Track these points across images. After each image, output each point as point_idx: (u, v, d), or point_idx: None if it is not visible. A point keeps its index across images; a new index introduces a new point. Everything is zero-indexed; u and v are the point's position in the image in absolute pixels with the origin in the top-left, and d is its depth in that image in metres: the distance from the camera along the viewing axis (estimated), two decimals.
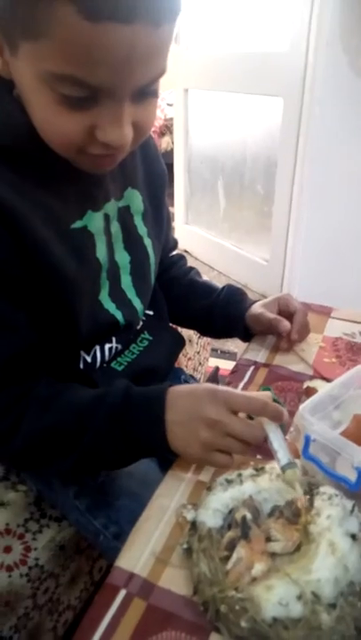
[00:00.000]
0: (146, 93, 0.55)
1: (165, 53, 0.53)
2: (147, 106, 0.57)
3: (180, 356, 1.28)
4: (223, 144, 2.59)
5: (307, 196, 2.12)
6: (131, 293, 0.80)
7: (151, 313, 0.90)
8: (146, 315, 0.87)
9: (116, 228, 0.75)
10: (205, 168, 2.78)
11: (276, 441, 0.56)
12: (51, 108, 0.53)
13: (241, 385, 0.79)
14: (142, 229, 0.80)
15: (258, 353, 0.88)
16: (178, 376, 0.98)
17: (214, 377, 1.67)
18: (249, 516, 0.52)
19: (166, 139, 3.55)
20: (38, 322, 0.66)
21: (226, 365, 1.84)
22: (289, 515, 0.53)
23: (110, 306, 0.75)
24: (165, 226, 0.89)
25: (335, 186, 2.06)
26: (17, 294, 0.62)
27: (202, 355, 1.46)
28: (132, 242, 0.78)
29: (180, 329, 1.02)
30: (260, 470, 0.58)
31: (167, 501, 0.59)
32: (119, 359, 0.81)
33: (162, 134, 3.60)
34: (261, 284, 2.56)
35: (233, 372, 0.83)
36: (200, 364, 1.46)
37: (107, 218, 0.72)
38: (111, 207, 0.73)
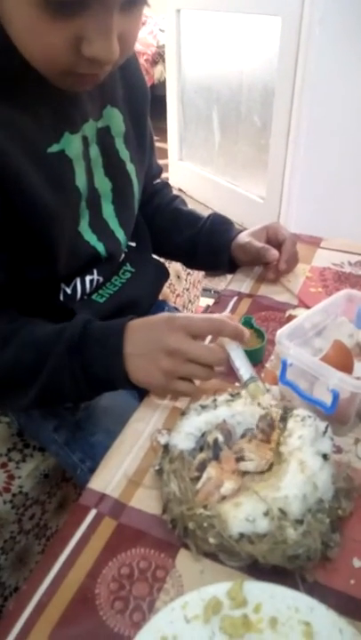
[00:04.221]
0: (133, 3, 0.49)
1: None
2: (134, 15, 0.51)
3: (168, 291, 1.26)
4: (218, 72, 2.44)
5: (305, 127, 2.02)
6: (113, 223, 0.76)
7: (134, 244, 0.86)
8: (128, 246, 0.84)
9: (95, 151, 0.70)
10: (200, 98, 2.64)
11: (238, 359, 0.55)
12: (31, 16, 0.46)
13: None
14: (124, 153, 0.75)
15: (242, 283, 0.85)
16: (161, 308, 0.96)
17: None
18: (221, 438, 0.52)
19: (159, 68, 3.36)
20: (12, 256, 0.63)
21: None
22: (264, 426, 0.52)
23: (91, 237, 0.72)
24: (149, 149, 0.83)
25: (336, 116, 1.95)
26: None
27: (192, 292, 1.44)
28: (113, 167, 0.73)
29: (167, 263, 0.98)
30: (235, 395, 0.57)
31: (142, 426, 0.59)
32: (100, 291, 0.78)
33: (154, 63, 3.39)
34: (257, 221, 2.49)
35: (215, 302, 0.81)
36: (190, 301, 1.44)
37: (85, 141, 0.67)
38: (89, 128, 0.67)
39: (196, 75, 2.61)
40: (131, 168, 0.76)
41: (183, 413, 0.57)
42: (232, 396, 0.58)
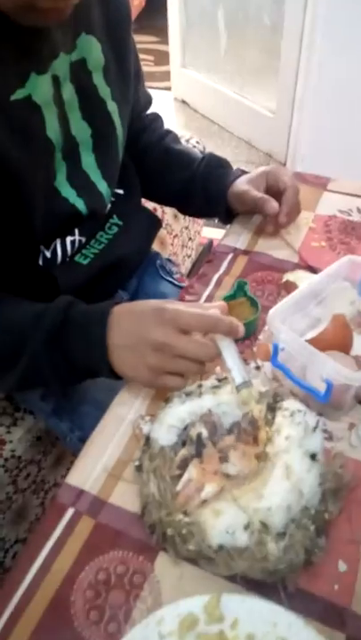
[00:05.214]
0: None
1: None
2: None
3: (164, 233, 1.18)
4: None
5: (321, 29, 1.78)
6: (95, 175, 0.67)
7: (121, 192, 0.77)
8: (115, 194, 0.75)
9: (69, 92, 0.60)
10: None
11: (230, 358, 0.50)
12: None
13: (216, 277, 0.71)
14: (104, 90, 0.64)
15: (238, 237, 0.78)
16: (153, 262, 0.89)
17: (208, 250, 1.58)
18: (205, 433, 0.48)
19: None
20: None
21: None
22: (246, 426, 0.49)
23: (69, 193, 0.64)
24: (134, 79, 0.72)
25: (357, 15, 1.71)
26: None
27: (191, 229, 1.35)
28: (91, 108, 0.63)
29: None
30: (222, 381, 0.53)
31: (125, 410, 0.56)
32: (84, 251, 0.71)
33: None
34: (266, 139, 2.31)
35: (208, 260, 0.74)
36: (190, 238, 1.36)
37: (56, 80, 0.57)
38: (61, 64, 0.57)
39: None
40: (113, 107, 0.66)
41: (167, 400, 0.54)
42: (219, 381, 0.54)
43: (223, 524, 0.42)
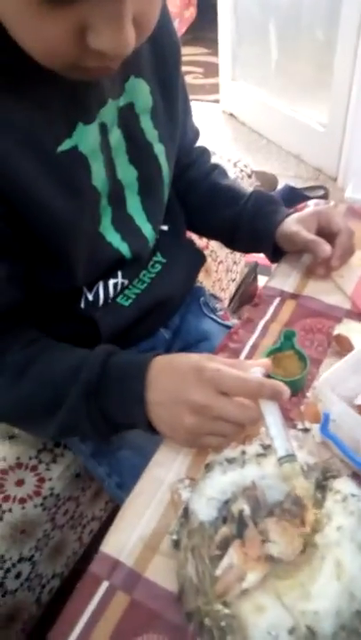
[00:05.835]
0: None
1: None
2: None
3: (209, 260, 1.16)
4: None
5: None
6: (140, 218, 0.66)
7: (165, 228, 0.76)
8: (159, 231, 0.74)
9: (116, 137, 0.59)
10: (255, 6, 2.29)
11: (274, 426, 0.47)
12: (24, 9, 0.37)
13: (262, 323, 0.68)
14: (151, 133, 0.63)
15: (286, 279, 0.74)
16: (196, 298, 0.87)
17: (252, 273, 1.54)
18: (247, 510, 0.45)
19: None
20: (29, 268, 0.56)
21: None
22: (291, 505, 0.45)
23: (114, 237, 0.63)
24: (182, 116, 0.70)
25: None
26: None
27: (236, 253, 1.32)
28: (138, 152, 0.62)
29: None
30: (267, 449, 0.50)
31: (162, 473, 0.53)
32: (127, 292, 0.70)
33: None
34: (316, 154, 2.25)
35: (255, 304, 0.71)
36: (235, 262, 1.33)
37: (103, 128, 0.56)
38: (109, 112, 0.56)
39: None
40: (159, 149, 0.64)
41: (207, 466, 0.51)
42: (264, 448, 0.51)
43: (266, 623, 0.38)
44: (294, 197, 1.81)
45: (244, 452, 0.51)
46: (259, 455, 0.50)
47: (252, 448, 0.51)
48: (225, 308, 0.90)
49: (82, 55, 0.40)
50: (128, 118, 0.59)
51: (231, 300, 1.41)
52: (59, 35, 0.38)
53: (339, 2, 1.78)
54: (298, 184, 2.04)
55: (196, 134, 0.83)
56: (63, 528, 0.84)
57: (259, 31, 2.34)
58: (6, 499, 0.74)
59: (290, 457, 0.46)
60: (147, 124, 0.62)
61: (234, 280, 1.38)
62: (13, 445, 0.78)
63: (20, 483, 0.76)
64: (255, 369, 0.52)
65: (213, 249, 1.18)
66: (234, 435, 0.50)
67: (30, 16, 0.37)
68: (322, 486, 0.46)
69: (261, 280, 1.56)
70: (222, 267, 1.22)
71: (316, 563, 0.41)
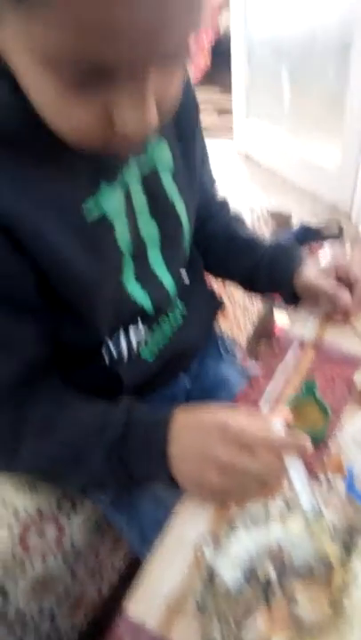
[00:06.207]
0: (174, 59, 0.39)
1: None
2: (174, 71, 0.41)
3: (227, 302, 1.17)
4: (288, 22, 2.17)
5: None
6: (161, 272, 0.67)
7: (187, 280, 0.76)
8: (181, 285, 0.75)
9: (139, 198, 0.60)
10: (268, 50, 2.38)
11: (298, 480, 0.47)
12: (53, 94, 0.39)
13: (282, 372, 0.68)
14: (173, 191, 0.64)
15: (305, 324, 0.74)
16: (215, 343, 0.87)
17: (270, 310, 1.54)
18: (273, 575, 0.45)
19: (227, 15, 3.05)
20: (53, 325, 0.58)
21: None
22: (318, 566, 0.44)
23: (136, 289, 0.63)
24: (200, 170, 0.72)
25: None
26: (19, 308, 0.53)
27: None
28: (161, 210, 0.63)
29: None
30: (291, 506, 0.50)
31: (185, 529, 0.53)
32: (150, 346, 0.70)
33: (217, 11, 3.10)
34: (331, 191, 2.28)
35: (274, 353, 0.71)
36: (252, 303, 1.34)
37: (126, 188, 0.58)
38: (132, 173, 0.58)
39: (264, 25, 2.35)
40: (180, 207, 0.66)
41: (230, 523, 0.50)
42: (288, 505, 0.50)
43: None
44: (309, 236, 1.83)
45: (268, 511, 0.50)
46: (283, 514, 0.49)
47: (276, 506, 0.50)
48: (243, 351, 0.91)
49: (109, 136, 0.42)
50: (151, 178, 0.61)
51: (249, 339, 1.42)
52: (88, 119, 0.40)
53: (349, 45, 1.84)
54: (313, 221, 2.06)
55: (213, 182, 0.85)
56: (83, 580, 0.82)
57: (271, 73, 2.42)
58: (28, 552, 0.73)
59: (316, 512, 0.45)
60: (169, 183, 0.64)
61: (251, 319, 1.39)
62: (34, 495, 0.78)
63: (41, 534, 0.75)
64: (276, 421, 0.52)
65: (231, 291, 1.19)
66: (258, 491, 0.50)
67: (60, 101, 0.39)
68: (348, 547, 0.45)
69: (278, 315, 1.56)
70: (239, 308, 1.23)
71: (343, 627, 0.40)
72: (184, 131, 0.65)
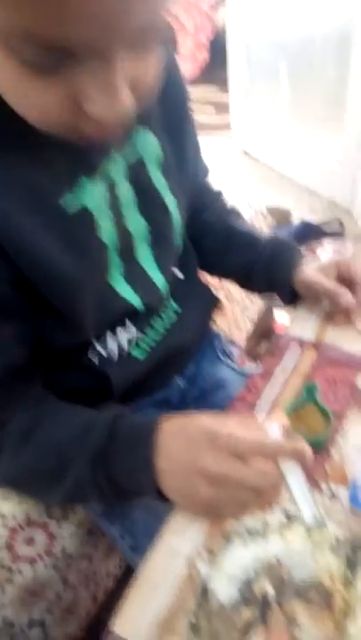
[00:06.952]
0: (143, 39, 0.36)
1: None
2: (149, 53, 0.38)
3: (225, 300, 1.14)
4: (286, 16, 2.14)
5: None
6: (151, 269, 0.64)
7: (180, 276, 0.74)
8: (174, 279, 0.72)
9: (125, 191, 0.57)
10: (266, 45, 2.34)
11: (297, 488, 0.44)
12: (15, 77, 0.35)
13: (281, 374, 0.65)
14: (161, 184, 0.61)
15: (306, 324, 0.71)
16: (211, 344, 0.84)
17: (269, 309, 1.51)
18: (271, 592, 0.42)
19: (222, 11, 3.02)
20: (35, 327, 0.55)
21: None
22: (319, 586, 0.42)
23: (125, 289, 0.61)
24: (192, 160, 0.69)
25: None
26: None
27: None
28: (149, 204, 0.60)
29: None
30: (291, 519, 0.47)
31: (178, 542, 0.50)
32: (141, 344, 0.67)
33: (214, 7, 3.06)
34: (330, 187, 2.25)
35: (273, 355, 0.68)
36: (251, 301, 1.31)
37: (110, 183, 0.55)
38: (115, 165, 0.55)
39: (261, 20, 2.31)
40: (170, 200, 0.63)
41: (226, 536, 0.47)
42: (288, 518, 0.47)
43: None
44: (310, 233, 1.80)
45: (266, 523, 0.47)
46: (282, 527, 0.46)
47: (275, 517, 0.48)
48: (241, 352, 0.88)
49: (79, 121, 0.39)
50: (138, 172, 0.58)
51: (248, 338, 1.39)
52: (51, 102, 0.37)
53: (349, 38, 1.81)
54: (312, 217, 2.04)
55: (205, 172, 0.82)
56: (77, 587, 0.80)
57: (270, 69, 2.38)
58: (16, 559, 0.70)
59: (318, 522, 0.42)
60: (157, 176, 0.61)
61: (250, 318, 1.36)
62: (22, 503, 0.75)
63: (30, 541, 0.72)
64: (272, 425, 0.49)
65: (228, 289, 1.16)
66: (254, 502, 0.46)
67: (21, 84, 0.36)
68: (352, 563, 0.43)
69: (277, 313, 1.53)
70: (238, 306, 1.20)
71: None
72: (172, 121, 0.62)
